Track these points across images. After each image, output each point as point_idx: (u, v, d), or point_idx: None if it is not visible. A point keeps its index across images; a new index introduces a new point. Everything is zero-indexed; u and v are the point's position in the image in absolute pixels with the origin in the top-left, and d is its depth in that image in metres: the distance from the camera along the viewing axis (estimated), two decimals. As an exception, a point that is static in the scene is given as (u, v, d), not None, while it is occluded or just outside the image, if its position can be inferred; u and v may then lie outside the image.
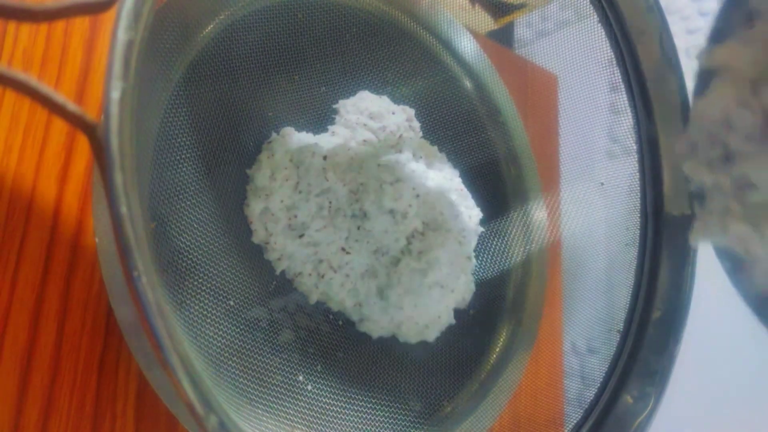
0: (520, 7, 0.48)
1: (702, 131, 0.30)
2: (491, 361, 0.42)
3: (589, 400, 0.39)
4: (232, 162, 0.34)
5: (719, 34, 0.31)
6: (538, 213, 0.45)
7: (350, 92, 0.39)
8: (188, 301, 0.30)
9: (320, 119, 0.39)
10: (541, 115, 0.51)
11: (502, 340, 0.43)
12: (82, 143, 0.32)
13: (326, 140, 0.36)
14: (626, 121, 0.42)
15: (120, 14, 0.20)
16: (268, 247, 0.34)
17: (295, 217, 0.34)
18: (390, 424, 0.35)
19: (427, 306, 0.37)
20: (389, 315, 0.36)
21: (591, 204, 0.44)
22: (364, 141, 0.36)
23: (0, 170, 0.29)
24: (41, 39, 0.32)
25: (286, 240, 0.34)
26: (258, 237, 0.34)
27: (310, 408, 0.33)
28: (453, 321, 0.38)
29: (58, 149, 0.31)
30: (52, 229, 0.30)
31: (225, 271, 0.32)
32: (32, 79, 0.19)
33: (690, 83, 0.41)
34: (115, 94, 0.19)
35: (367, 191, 0.36)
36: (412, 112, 0.40)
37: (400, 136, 0.38)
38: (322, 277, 0.35)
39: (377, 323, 0.36)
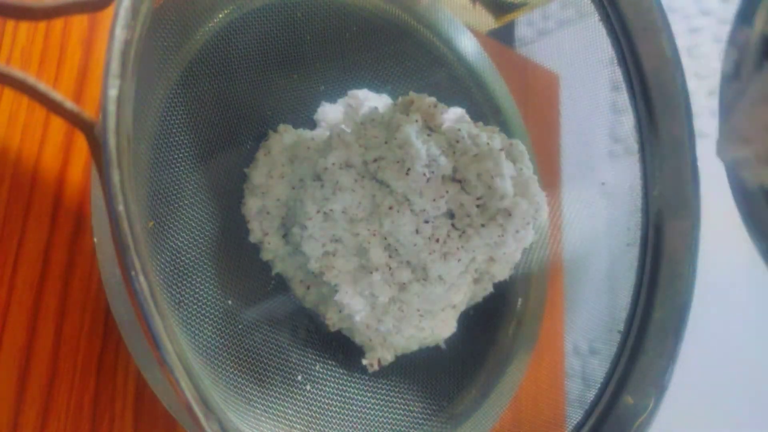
0: (521, 5, 0.48)
1: None
2: (492, 362, 0.42)
3: (590, 401, 0.39)
4: (231, 161, 0.34)
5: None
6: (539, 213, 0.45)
7: (350, 91, 0.39)
8: (186, 301, 0.29)
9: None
10: (542, 115, 0.51)
11: (503, 341, 0.43)
12: (81, 143, 0.32)
13: (322, 134, 0.36)
14: (628, 120, 0.42)
15: (118, 12, 0.20)
16: (263, 247, 0.34)
17: (288, 218, 0.34)
18: (389, 425, 0.35)
19: (424, 330, 0.35)
20: (384, 338, 0.35)
21: (592, 204, 0.44)
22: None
23: (-2, 169, 0.29)
24: (39, 38, 0.32)
25: (279, 242, 0.34)
26: (254, 236, 0.34)
27: (308, 408, 0.33)
28: (455, 329, 0.37)
29: (57, 149, 0.31)
30: (51, 229, 0.30)
31: (223, 270, 0.32)
32: (30, 76, 0.19)
33: (691, 82, 0.41)
34: (113, 92, 0.19)
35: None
36: None
37: None
38: (308, 288, 0.35)
39: (370, 344, 0.35)
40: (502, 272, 0.37)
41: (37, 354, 0.29)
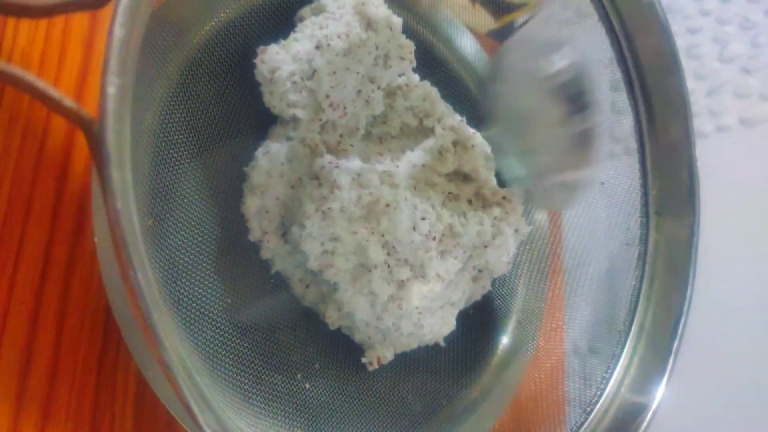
0: (521, 6, 0.48)
1: None
2: (492, 362, 0.42)
3: (589, 401, 0.39)
4: (230, 159, 0.34)
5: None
6: (539, 213, 0.45)
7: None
8: (185, 299, 0.29)
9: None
10: (542, 115, 0.51)
11: (502, 340, 0.43)
12: (81, 143, 0.32)
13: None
14: (627, 120, 0.42)
15: (117, 10, 0.20)
16: (263, 246, 0.34)
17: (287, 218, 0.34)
18: (389, 424, 0.35)
19: (423, 328, 0.35)
20: (383, 336, 0.35)
21: (591, 203, 0.44)
22: None
23: (-2, 169, 0.29)
24: (39, 38, 0.32)
25: (279, 241, 0.34)
26: (254, 235, 0.34)
27: (308, 407, 0.33)
28: (454, 327, 0.37)
29: (57, 149, 0.31)
30: (51, 229, 0.30)
31: (223, 269, 0.32)
32: (29, 74, 0.19)
33: (691, 83, 0.41)
34: (112, 90, 0.19)
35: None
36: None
37: None
38: (308, 287, 0.35)
39: (370, 342, 0.35)
40: (499, 267, 0.37)
41: (38, 353, 0.29)
